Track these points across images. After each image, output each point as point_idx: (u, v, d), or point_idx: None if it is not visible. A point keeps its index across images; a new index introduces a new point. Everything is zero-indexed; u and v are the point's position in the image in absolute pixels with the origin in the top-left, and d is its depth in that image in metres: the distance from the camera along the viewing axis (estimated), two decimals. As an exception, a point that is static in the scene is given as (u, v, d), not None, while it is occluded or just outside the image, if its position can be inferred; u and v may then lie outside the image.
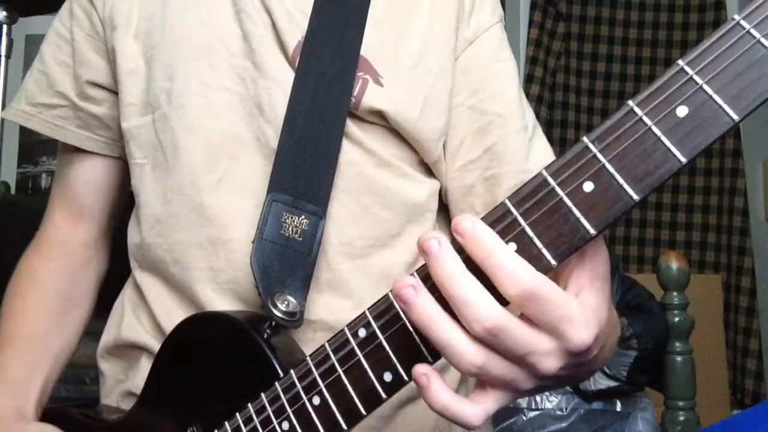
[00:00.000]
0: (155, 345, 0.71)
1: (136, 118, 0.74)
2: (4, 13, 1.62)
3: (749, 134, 2.57)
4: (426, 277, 0.43)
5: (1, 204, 1.89)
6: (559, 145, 2.70)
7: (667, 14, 2.74)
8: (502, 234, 0.43)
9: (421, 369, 0.43)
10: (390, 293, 0.46)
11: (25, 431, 0.69)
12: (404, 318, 0.46)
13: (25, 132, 0.86)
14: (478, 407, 0.43)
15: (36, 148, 2.74)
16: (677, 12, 2.73)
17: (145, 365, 0.72)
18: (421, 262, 0.45)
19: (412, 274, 0.44)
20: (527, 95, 2.79)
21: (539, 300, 0.40)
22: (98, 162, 0.82)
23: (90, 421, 0.73)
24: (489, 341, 0.40)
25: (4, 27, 1.63)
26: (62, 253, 0.83)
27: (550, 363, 0.41)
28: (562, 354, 0.41)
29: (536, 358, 0.41)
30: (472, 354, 0.41)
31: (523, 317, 0.41)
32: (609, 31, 2.77)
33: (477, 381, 0.44)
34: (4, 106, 1.60)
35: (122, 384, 0.76)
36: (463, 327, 0.41)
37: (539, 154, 0.74)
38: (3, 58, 1.65)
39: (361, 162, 0.70)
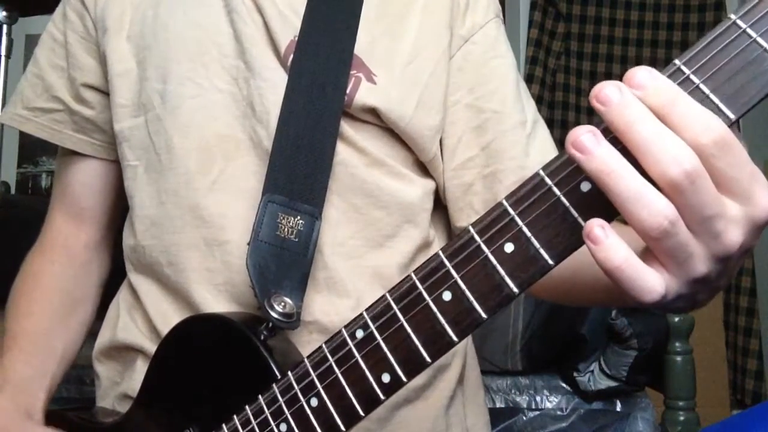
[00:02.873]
0: (151, 347, 0.71)
1: (128, 119, 0.74)
2: (4, 13, 1.62)
3: (749, 134, 2.57)
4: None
5: (1, 204, 1.89)
6: (559, 145, 2.68)
7: (667, 14, 2.74)
8: (500, 234, 0.42)
9: (596, 221, 0.37)
10: (412, 274, 0.45)
11: None
12: (402, 319, 0.46)
13: (24, 132, 0.86)
14: (660, 277, 0.37)
15: (36, 148, 2.74)
16: (677, 12, 2.73)
17: (140, 367, 0.72)
18: (415, 265, 0.45)
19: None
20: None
21: (732, 149, 0.36)
22: (96, 165, 0.82)
23: (87, 424, 0.73)
24: (683, 189, 0.35)
25: (4, 27, 1.64)
26: (64, 255, 0.83)
27: (735, 234, 0.37)
28: (747, 225, 0.37)
29: (723, 225, 0.37)
30: (663, 204, 0.36)
31: None
32: (609, 31, 2.77)
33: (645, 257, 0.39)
34: (4, 106, 1.60)
35: (118, 386, 0.75)
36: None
37: (540, 149, 0.74)
38: (3, 58, 1.65)
39: (353, 162, 0.70)
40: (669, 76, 0.38)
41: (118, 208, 0.86)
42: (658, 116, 0.36)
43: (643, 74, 0.37)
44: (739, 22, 0.37)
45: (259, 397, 0.55)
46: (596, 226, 0.37)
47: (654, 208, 0.35)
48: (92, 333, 0.83)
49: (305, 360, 0.52)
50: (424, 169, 0.75)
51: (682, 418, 1.27)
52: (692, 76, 0.38)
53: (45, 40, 0.81)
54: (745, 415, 0.84)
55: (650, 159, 0.36)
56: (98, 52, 0.77)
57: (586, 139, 0.36)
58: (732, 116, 0.37)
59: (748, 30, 0.37)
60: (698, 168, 0.35)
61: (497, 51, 0.76)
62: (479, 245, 0.43)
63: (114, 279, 0.84)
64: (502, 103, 0.74)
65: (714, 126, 0.36)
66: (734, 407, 2.37)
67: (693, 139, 0.36)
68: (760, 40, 0.37)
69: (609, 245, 0.36)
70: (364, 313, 0.48)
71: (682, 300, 0.40)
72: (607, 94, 0.36)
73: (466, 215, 0.74)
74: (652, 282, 0.37)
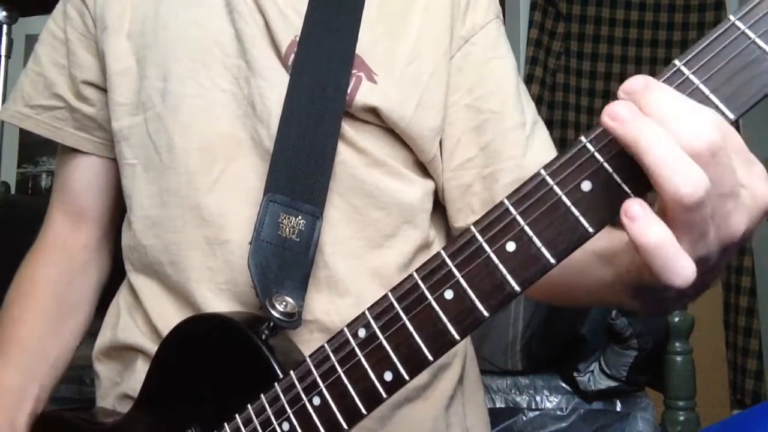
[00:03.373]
0: (151, 347, 0.71)
1: (127, 118, 0.74)
2: (4, 13, 1.62)
3: (749, 134, 2.56)
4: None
5: (1, 204, 1.89)
6: (559, 145, 2.68)
7: (667, 14, 2.74)
8: (502, 233, 0.43)
9: (636, 200, 0.38)
10: (414, 273, 0.46)
11: None
12: (404, 318, 0.46)
13: (25, 132, 0.85)
14: (691, 262, 0.37)
15: (36, 148, 2.74)
16: (677, 12, 2.74)
17: (140, 367, 0.72)
18: (415, 265, 0.45)
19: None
20: (527, 95, 2.73)
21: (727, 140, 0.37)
22: (96, 163, 0.82)
23: (86, 425, 0.72)
24: (707, 162, 0.36)
25: (4, 27, 1.64)
26: (61, 258, 0.83)
27: (742, 217, 0.39)
28: (751, 211, 0.39)
29: (734, 205, 0.38)
30: (699, 173, 0.36)
31: None
32: (609, 31, 2.77)
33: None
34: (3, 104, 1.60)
35: (118, 386, 0.75)
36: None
37: (538, 150, 0.74)
38: (3, 58, 1.65)
39: (353, 162, 0.70)
40: (669, 77, 0.39)
41: (119, 208, 0.86)
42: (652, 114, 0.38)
43: (634, 81, 0.39)
44: (738, 23, 0.38)
45: (261, 396, 0.55)
46: (635, 204, 0.37)
47: (691, 175, 0.36)
48: (92, 333, 0.83)
49: (307, 359, 0.52)
50: (424, 169, 0.75)
51: (682, 418, 1.27)
52: (692, 77, 0.38)
53: (45, 38, 0.81)
54: (745, 415, 0.84)
55: (680, 128, 0.37)
56: (98, 49, 0.77)
57: (621, 109, 0.37)
58: (731, 116, 0.37)
59: (747, 31, 0.38)
60: (719, 140, 0.36)
61: (497, 52, 0.76)
62: (481, 244, 0.44)
63: (114, 279, 0.84)
64: (501, 103, 0.74)
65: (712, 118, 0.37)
66: (734, 407, 2.38)
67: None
68: (758, 41, 0.37)
69: (647, 222, 0.37)
70: (367, 312, 0.49)
71: (711, 261, 0.40)
72: (633, 83, 0.38)
73: (464, 216, 0.74)
74: (686, 265, 0.37)
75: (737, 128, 0.38)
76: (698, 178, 0.36)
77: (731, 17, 0.38)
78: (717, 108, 0.38)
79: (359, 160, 0.70)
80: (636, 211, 0.37)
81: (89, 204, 0.83)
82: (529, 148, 0.73)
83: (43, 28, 0.82)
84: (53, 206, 0.85)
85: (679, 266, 0.37)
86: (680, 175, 0.36)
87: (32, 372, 0.76)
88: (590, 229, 0.41)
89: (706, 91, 0.38)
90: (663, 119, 0.37)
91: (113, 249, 0.87)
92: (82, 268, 0.83)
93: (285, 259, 0.63)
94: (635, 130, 0.37)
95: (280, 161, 0.65)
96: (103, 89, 0.78)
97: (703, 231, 0.38)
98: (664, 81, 0.39)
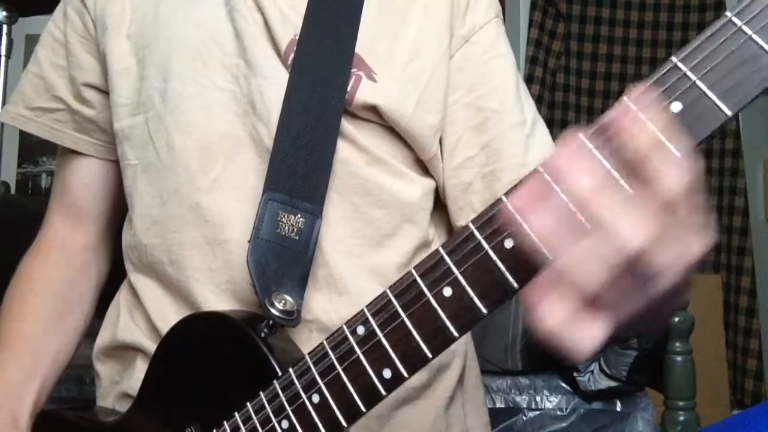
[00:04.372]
0: (151, 346, 0.71)
1: (128, 118, 0.74)
2: (4, 13, 1.62)
3: (749, 134, 2.57)
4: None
5: (1, 204, 1.89)
6: (559, 144, 2.70)
7: (667, 14, 2.75)
8: (500, 230, 0.43)
9: (540, 281, 0.37)
10: (413, 270, 0.46)
11: None
12: (403, 315, 0.46)
13: (25, 132, 0.86)
14: (592, 332, 0.36)
15: (36, 148, 2.75)
16: (677, 12, 2.74)
17: (140, 366, 0.72)
18: (416, 264, 0.45)
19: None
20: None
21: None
22: (96, 165, 0.83)
23: (86, 424, 0.72)
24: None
25: (4, 27, 1.64)
26: (60, 257, 0.83)
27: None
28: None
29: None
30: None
31: None
32: (609, 31, 2.78)
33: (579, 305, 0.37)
34: (4, 106, 1.60)
35: (118, 385, 0.75)
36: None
37: (539, 148, 0.74)
38: (3, 58, 1.65)
39: (354, 160, 0.70)
40: (666, 73, 0.39)
41: (118, 210, 0.86)
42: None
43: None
44: (734, 19, 0.38)
45: (261, 394, 0.55)
46: (537, 288, 0.37)
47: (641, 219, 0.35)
48: (92, 333, 0.83)
49: (306, 357, 0.52)
50: (424, 168, 0.75)
51: (682, 418, 1.27)
52: (689, 73, 0.39)
53: (45, 40, 0.81)
54: (745, 415, 0.84)
55: (652, 170, 0.35)
56: (98, 51, 0.77)
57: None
58: (729, 112, 0.37)
59: (744, 27, 0.38)
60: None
61: (497, 51, 0.76)
62: (480, 242, 0.44)
63: (114, 279, 0.84)
64: (501, 102, 0.74)
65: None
66: (734, 407, 2.38)
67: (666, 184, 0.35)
68: (755, 37, 0.37)
69: (547, 306, 0.36)
70: (365, 309, 0.49)
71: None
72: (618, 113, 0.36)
73: (466, 214, 0.74)
74: (586, 341, 0.36)
75: (737, 130, 0.38)
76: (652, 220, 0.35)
77: (728, 14, 0.38)
78: (714, 104, 0.38)
79: (360, 159, 0.70)
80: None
81: (88, 205, 0.83)
82: (529, 146, 0.73)
83: (44, 30, 0.82)
84: (52, 206, 0.85)
85: (578, 342, 0.36)
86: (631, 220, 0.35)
87: (34, 367, 0.76)
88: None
89: (703, 87, 0.38)
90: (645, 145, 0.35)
91: (112, 250, 0.87)
92: (81, 267, 0.83)
93: (284, 258, 0.63)
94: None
95: (280, 160, 0.65)
96: (103, 91, 0.79)
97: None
98: (661, 77, 0.39)
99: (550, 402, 1.47)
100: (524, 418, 1.47)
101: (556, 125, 2.73)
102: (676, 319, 1.29)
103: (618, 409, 1.47)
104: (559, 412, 1.47)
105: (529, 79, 2.68)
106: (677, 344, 1.29)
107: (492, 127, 0.73)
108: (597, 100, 2.76)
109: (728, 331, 2.48)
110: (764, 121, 2.41)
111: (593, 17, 2.78)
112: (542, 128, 0.77)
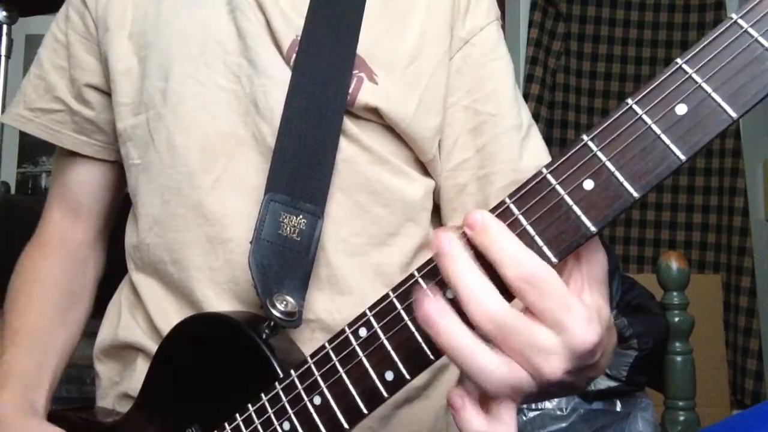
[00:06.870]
0: (151, 346, 0.71)
1: (130, 118, 0.74)
2: (4, 13, 1.62)
3: (749, 134, 2.57)
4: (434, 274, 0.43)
5: (1, 204, 1.89)
6: (559, 144, 2.70)
7: (667, 14, 2.74)
8: None
9: (457, 391, 0.43)
10: (416, 272, 0.46)
11: (41, 431, 0.69)
12: (405, 318, 0.46)
13: (25, 132, 0.86)
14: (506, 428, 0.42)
15: (36, 148, 2.74)
16: (677, 12, 2.74)
17: (141, 366, 0.72)
18: (416, 264, 0.45)
19: (421, 276, 0.45)
20: (527, 95, 2.77)
21: (539, 284, 0.39)
22: (94, 166, 0.83)
23: (87, 424, 0.72)
24: (495, 337, 0.40)
25: (4, 27, 1.63)
26: (61, 250, 0.83)
27: (555, 364, 0.40)
28: (566, 354, 0.40)
29: (542, 357, 0.40)
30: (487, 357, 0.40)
31: (528, 313, 0.41)
32: (609, 31, 2.77)
33: (480, 401, 0.43)
34: (4, 106, 1.60)
35: (118, 386, 0.75)
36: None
37: (533, 153, 0.74)
38: (3, 58, 1.65)
39: (357, 159, 0.70)
40: (670, 75, 0.39)
41: (115, 209, 0.87)
42: (482, 251, 0.41)
43: (475, 216, 0.42)
44: (740, 21, 0.38)
45: (262, 395, 0.55)
46: (457, 396, 0.42)
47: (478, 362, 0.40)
48: (92, 333, 0.83)
49: (308, 359, 0.52)
50: (424, 168, 0.75)
51: (682, 418, 1.27)
52: (694, 75, 0.38)
53: (48, 41, 0.82)
54: (745, 415, 0.84)
55: (467, 310, 0.40)
56: (99, 51, 0.77)
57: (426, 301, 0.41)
58: (734, 115, 0.37)
59: (750, 30, 0.38)
60: (505, 317, 0.40)
61: (496, 54, 0.76)
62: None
63: (113, 278, 0.84)
64: (498, 106, 0.74)
65: (524, 265, 0.40)
66: (734, 407, 2.37)
67: (504, 275, 0.40)
68: (761, 39, 0.37)
69: (468, 414, 0.42)
70: (367, 312, 0.48)
71: (540, 398, 0.44)
72: (440, 243, 0.41)
73: (459, 216, 0.74)
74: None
75: (737, 130, 0.39)
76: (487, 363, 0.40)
77: (733, 15, 0.38)
78: (719, 106, 0.38)
79: (363, 157, 0.70)
80: (457, 392, 0.43)
81: (87, 202, 0.84)
82: (524, 151, 0.74)
83: (47, 32, 0.82)
84: (51, 202, 0.85)
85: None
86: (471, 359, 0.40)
87: (45, 358, 0.76)
88: (592, 228, 0.41)
89: (709, 89, 0.38)
90: (459, 293, 0.41)
91: (107, 249, 0.87)
92: (80, 263, 0.84)
93: (286, 259, 0.63)
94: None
95: (281, 161, 0.65)
96: (104, 92, 0.79)
97: (511, 385, 0.41)
98: (666, 79, 0.39)
99: (550, 402, 1.47)
100: (524, 417, 1.47)
101: (556, 125, 2.73)
102: (676, 319, 1.29)
103: (618, 409, 1.47)
104: (559, 412, 1.47)
105: (529, 79, 2.68)
106: (677, 344, 1.29)
107: (488, 131, 0.73)
108: (597, 100, 2.76)
109: (728, 331, 2.48)
110: (764, 121, 2.41)
111: (593, 17, 2.77)
112: (536, 133, 0.77)
